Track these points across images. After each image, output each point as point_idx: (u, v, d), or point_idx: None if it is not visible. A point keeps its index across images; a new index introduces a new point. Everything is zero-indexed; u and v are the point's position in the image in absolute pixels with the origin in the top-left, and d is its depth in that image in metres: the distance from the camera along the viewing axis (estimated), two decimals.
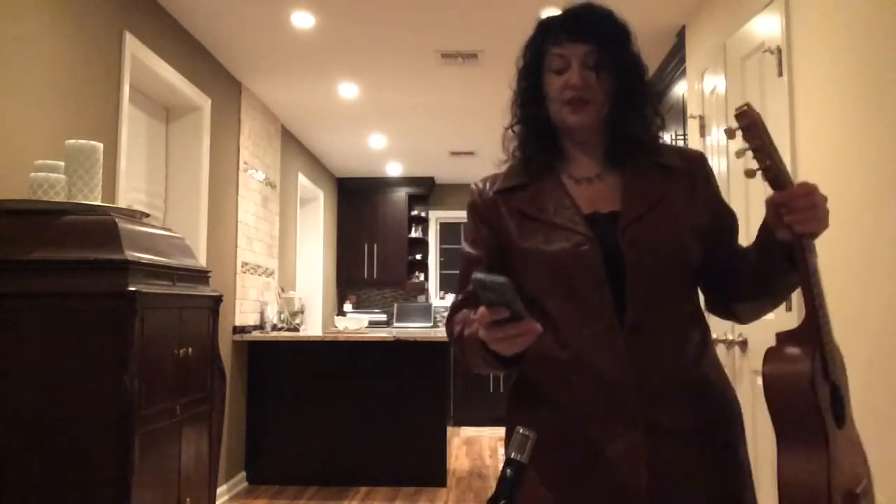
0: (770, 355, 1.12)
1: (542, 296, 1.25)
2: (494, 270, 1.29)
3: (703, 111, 3.42)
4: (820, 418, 1.06)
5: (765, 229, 1.17)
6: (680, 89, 3.94)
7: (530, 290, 1.25)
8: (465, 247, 1.37)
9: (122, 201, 3.14)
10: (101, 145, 2.42)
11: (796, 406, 1.07)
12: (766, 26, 2.67)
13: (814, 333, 1.10)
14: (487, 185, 1.37)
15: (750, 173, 1.13)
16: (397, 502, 4.44)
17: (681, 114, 3.91)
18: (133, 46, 3.28)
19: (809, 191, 1.10)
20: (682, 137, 3.87)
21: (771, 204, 1.11)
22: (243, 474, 4.80)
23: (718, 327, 3.10)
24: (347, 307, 8.01)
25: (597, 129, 1.31)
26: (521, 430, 0.91)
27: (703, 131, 3.40)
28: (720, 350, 3.05)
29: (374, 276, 7.94)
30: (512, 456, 0.90)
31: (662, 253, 1.21)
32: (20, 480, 2.05)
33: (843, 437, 1.11)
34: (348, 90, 4.96)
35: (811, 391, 1.06)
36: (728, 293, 1.30)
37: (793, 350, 1.10)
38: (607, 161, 1.31)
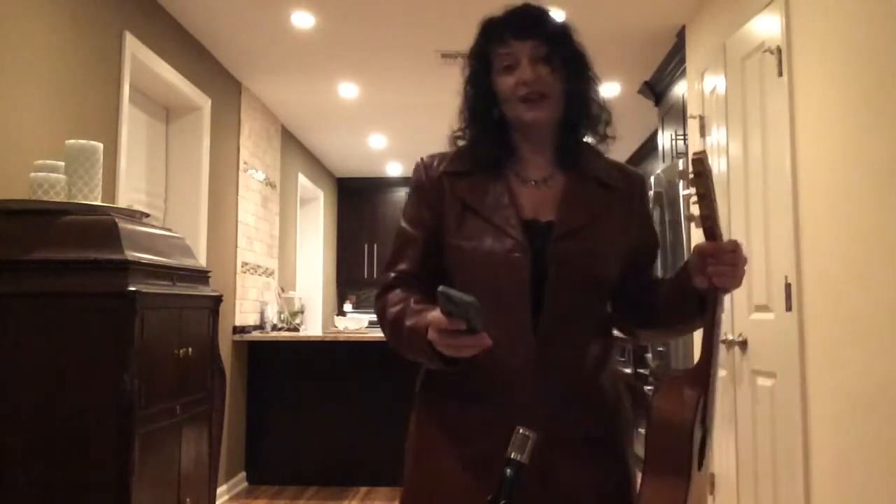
0: (665, 392, 1.19)
1: (465, 290, 1.25)
2: (430, 252, 1.29)
3: (703, 111, 3.43)
4: (690, 461, 1.13)
5: (685, 271, 1.21)
6: (680, 89, 3.94)
7: (457, 282, 1.26)
8: (403, 223, 1.34)
9: (122, 201, 3.13)
10: (101, 145, 2.42)
11: (675, 446, 1.15)
12: (766, 26, 2.67)
13: (705, 381, 1.16)
14: (435, 162, 1.34)
15: (690, 218, 1.19)
16: (397, 502, 4.44)
17: (681, 114, 3.91)
18: (133, 46, 3.28)
19: (735, 248, 1.15)
20: (682, 137, 3.87)
21: (698, 252, 1.16)
22: (243, 474, 4.80)
23: None
24: (347, 307, 8.01)
25: (551, 127, 1.30)
26: (521, 430, 0.92)
27: (703, 131, 3.41)
28: (720, 350, 3.05)
29: (374, 276, 7.94)
30: (512, 456, 0.90)
31: (584, 271, 1.23)
32: (20, 480, 2.04)
33: (698, 478, 1.19)
34: (348, 90, 4.96)
35: (690, 437, 1.13)
36: (633, 317, 1.34)
37: (687, 393, 1.17)
38: (558, 161, 1.31)
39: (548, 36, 1.26)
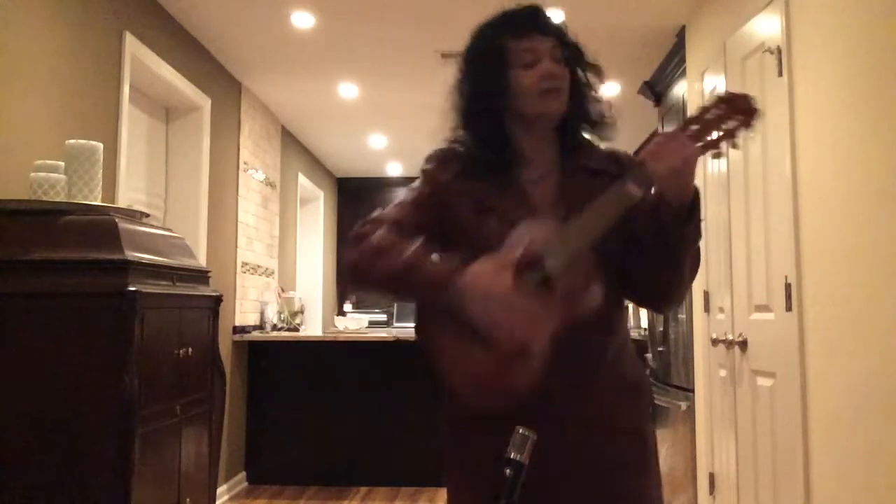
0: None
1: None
2: (425, 233, 1.27)
3: None
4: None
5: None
6: (680, 89, 3.94)
7: None
8: (410, 196, 1.35)
9: (122, 201, 3.13)
10: (101, 145, 2.42)
11: None
12: (766, 26, 2.67)
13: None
14: (446, 165, 1.34)
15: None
16: (397, 502, 4.44)
17: (681, 114, 3.91)
18: (133, 46, 3.28)
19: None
20: None
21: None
22: (243, 474, 4.80)
23: (718, 327, 3.10)
24: (347, 307, 8.01)
25: (556, 123, 1.32)
26: (520, 430, 0.91)
27: None
28: (720, 350, 3.05)
29: None
30: (512, 456, 0.90)
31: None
32: (21, 480, 2.04)
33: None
34: (348, 90, 4.96)
35: None
36: (646, 282, 1.30)
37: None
38: (558, 158, 1.34)
39: (560, 35, 1.31)
